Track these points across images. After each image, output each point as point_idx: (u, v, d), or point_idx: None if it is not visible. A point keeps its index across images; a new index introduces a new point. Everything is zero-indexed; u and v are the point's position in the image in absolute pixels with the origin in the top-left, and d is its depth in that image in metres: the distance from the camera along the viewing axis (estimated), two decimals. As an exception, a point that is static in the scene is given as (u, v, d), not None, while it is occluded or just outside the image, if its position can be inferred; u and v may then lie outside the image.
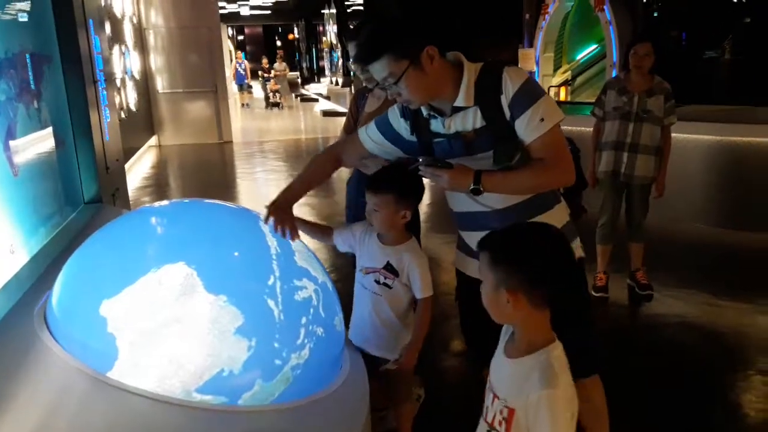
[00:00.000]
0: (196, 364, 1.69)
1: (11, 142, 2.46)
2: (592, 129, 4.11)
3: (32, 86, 2.81)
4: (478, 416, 1.49)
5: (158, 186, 8.27)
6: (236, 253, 1.95)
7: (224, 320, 1.74)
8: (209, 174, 9.34)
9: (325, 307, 1.99)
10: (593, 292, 3.99)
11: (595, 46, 10.96)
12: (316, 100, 21.17)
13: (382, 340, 2.18)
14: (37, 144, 2.82)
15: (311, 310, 1.93)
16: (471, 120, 1.88)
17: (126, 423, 1.62)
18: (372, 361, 2.19)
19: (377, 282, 2.14)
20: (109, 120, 3.90)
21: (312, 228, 2.28)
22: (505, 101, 1.82)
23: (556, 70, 11.88)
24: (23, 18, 2.85)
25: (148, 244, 1.95)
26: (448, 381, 3.09)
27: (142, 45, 11.06)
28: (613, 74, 9.48)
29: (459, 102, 1.87)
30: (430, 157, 1.90)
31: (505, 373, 1.42)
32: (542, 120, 1.81)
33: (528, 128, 1.82)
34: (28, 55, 2.82)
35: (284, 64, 20.09)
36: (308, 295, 1.95)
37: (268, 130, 14.59)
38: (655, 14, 12.66)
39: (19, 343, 1.85)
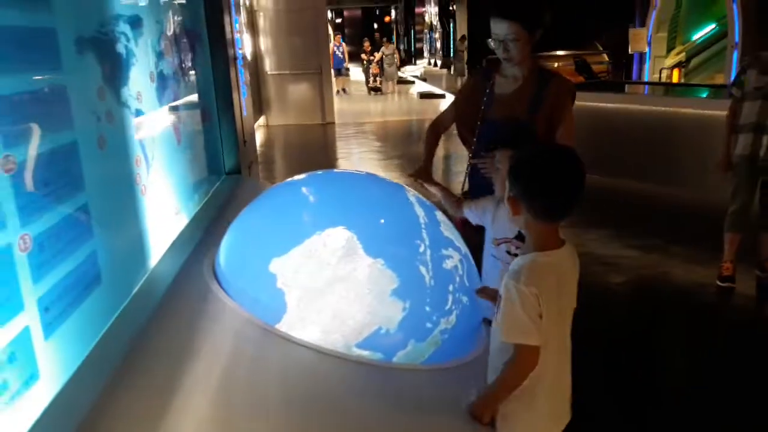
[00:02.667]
0: (357, 321, 1.82)
1: (174, 113, 2.68)
2: (726, 111, 3.94)
3: (190, 62, 3.03)
4: None
5: (266, 163, 8.62)
6: (387, 221, 2.06)
7: (382, 282, 1.85)
8: (313, 153, 9.64)
9: (468, 277, 2.07)
10: (719, 282, 3.85)
11: (713, 26, 10.36)
12: (413, 83, 21.20)
13: None
14: (190, 116, 3.05)
15: (457, 278, 2.02)
16: None
17: (296, 373, 1.75)
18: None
19: (508, 252, 2.17)
20: (246, 96, 4.14)
21: (447, 194, 2.37)
22: None
23: (669, 51, 11.34)
24: (180, -1, 3.06)
25: (305, 210, 2.10)
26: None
27: (253, 27, 11.48)
28: (734, 55, 8.96)
29: None
30: None
31: None
32: None
33: None
34: (185, 33, 3.04)
35: (392, 46, 18.41)
36: (454, 264, 2.04)
37: (367, 112, 14.80)
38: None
39: (194, 296, 2.04)
